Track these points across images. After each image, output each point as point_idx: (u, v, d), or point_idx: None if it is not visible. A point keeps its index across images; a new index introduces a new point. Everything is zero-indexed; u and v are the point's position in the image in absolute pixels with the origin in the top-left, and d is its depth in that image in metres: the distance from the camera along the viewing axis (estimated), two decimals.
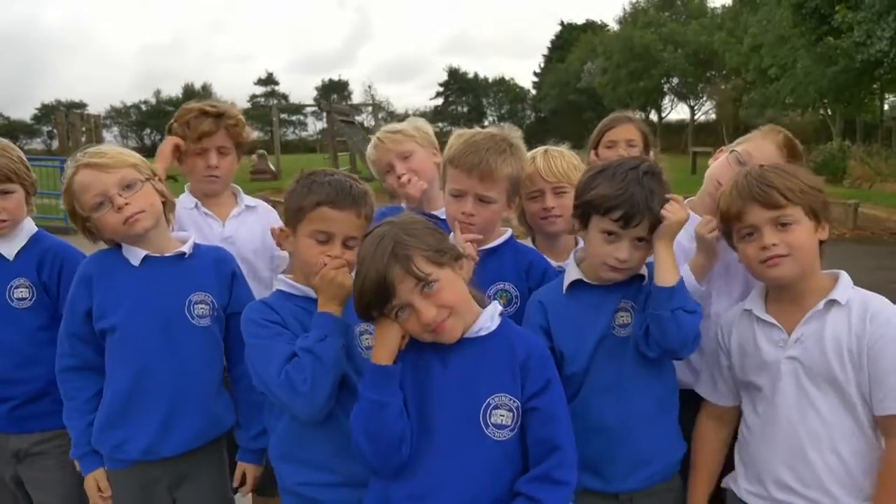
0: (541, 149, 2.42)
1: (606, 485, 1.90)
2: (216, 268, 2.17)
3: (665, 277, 1.81)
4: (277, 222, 2.21)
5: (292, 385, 1.70)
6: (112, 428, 2.06)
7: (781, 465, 1.84)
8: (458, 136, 2.17)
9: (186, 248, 2.11)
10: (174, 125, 2.56)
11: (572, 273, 1.96)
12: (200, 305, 2.09)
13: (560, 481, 1.65)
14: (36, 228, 2.38)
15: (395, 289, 1.57)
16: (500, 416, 1.63)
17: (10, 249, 2.29)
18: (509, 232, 2.21)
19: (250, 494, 2.35)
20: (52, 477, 2.31)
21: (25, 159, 2.35)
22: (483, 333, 1.68)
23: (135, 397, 2.04)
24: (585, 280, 1.94)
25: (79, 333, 2.08)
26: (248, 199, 2.69)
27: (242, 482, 2.21)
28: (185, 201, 2.57)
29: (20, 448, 2.31)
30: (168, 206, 2.17)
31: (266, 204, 2.75)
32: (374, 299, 1.59)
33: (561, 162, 2.34)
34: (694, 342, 1.85)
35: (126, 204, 2.00)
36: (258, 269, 2.55)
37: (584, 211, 1.89)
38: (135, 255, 2.06)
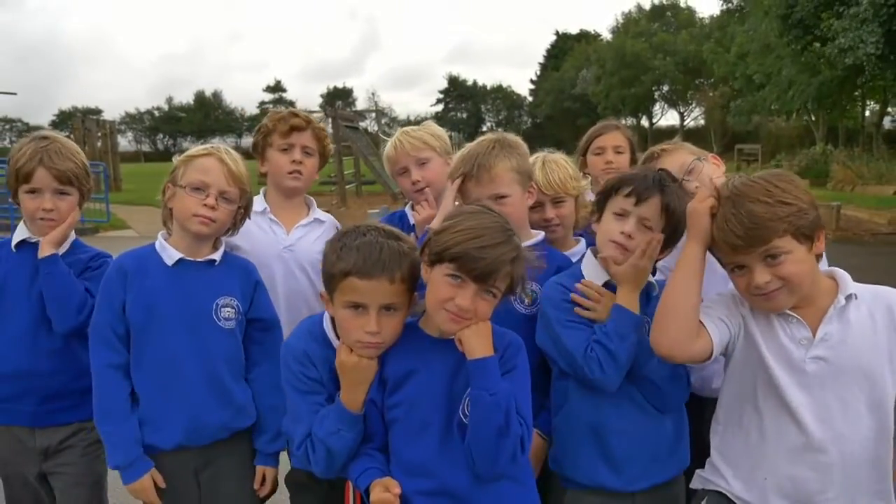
0: (538, 158, 2.38)
1: (626, 484, 1.88)
2: (241, 275, 2.18)
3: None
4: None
5: (308, 460, 1.77)
6: (144, 423, 2.06)
7: (792, 470, 1.68)
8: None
9: (217, 256, 2.13)
10: (266, 122, 2.54)
11: (601, 275, 1.93)
12: (227, 309, 2.10)
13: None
14: (74, 237, 2.36)
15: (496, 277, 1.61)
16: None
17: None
18: (541, 235, 2.20)
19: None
20: (77, 470, 2.31)
21: (88, 166, 2.35)
22: None
23: (164, 394, 2.04)
24: (611, 281, 1.92)
25: (115, 328, 2.04)
26: (319, 213, 2.62)
27: (263, 483, 2.20)
28: (255, 205, 2.46)
29: (49, 445, 2.29)
30: (236, 226, 2.20)
31: (333, 219, 2.67)
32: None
33: (558, 174, 2.32)
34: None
35: (212, 208, 2.05)
36: (313, 283, 2.46)
37: (604, 196, 1.91)
38: (169, 255, 2.08)
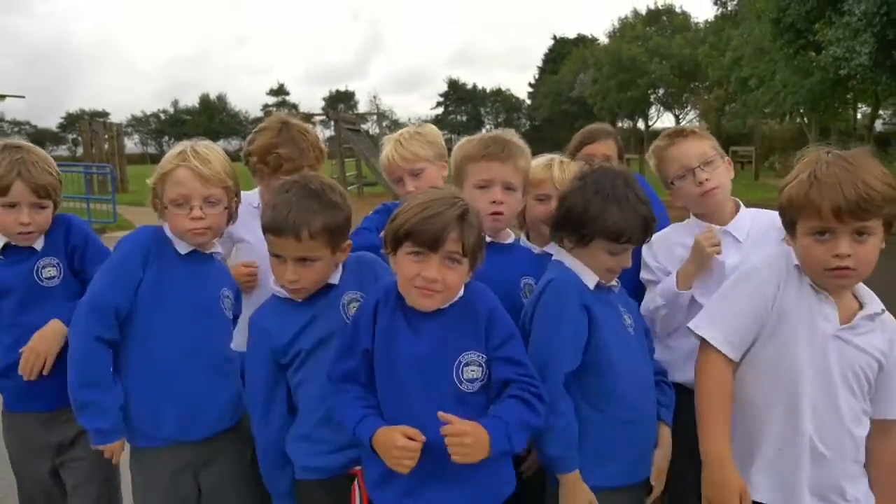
0: (557, 158, 2.45)
1: (642, 473, 1.92)
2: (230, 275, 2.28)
3: None
4: None
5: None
6: (144, 406, 2.03)
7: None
8: (468, 140, 2.22)
9: (221, 250, 2.23)
10: (253, 157, 2.37)
11: (589, 276, 1.92)
12: (227, 299, 2.16)
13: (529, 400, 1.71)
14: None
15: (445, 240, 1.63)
16: (472, 371, 1.69)
17: (38, 244, 2.28)
18: (513, 237, 2.23)
19: None
20: (89, 465, 2.29)
21: (60, 174, 2.32)
22: (448, 304, 1.72)
23: (168, 380, 2.01)
24: (602, 282, 1.94)
25: (120, 308, 1.99)
26: None
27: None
28: (254, 199, 2.50)
29: (63, 439, 2.29)
30: (232, 216, 2.20)
31: None
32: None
33: (571, 174, 2.36)
34: None
35: (201, 218, 2.04)
36: None
37: (590, 235, 1.86)
38: (182, 245, 2.10)
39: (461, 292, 1.73)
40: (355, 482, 1.83)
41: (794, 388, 1.71)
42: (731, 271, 2.13)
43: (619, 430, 1.85)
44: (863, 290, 1.77)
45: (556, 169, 2.36)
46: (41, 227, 2.24)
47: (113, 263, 2.05)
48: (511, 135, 2.19)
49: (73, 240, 2.32)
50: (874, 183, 1.57)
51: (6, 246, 2.25)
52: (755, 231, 2.18)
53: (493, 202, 2.05)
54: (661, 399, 1.99)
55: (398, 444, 1.59)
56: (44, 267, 2.25)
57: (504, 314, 1.76)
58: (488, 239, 1.92)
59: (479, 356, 1.70)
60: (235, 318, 2.25)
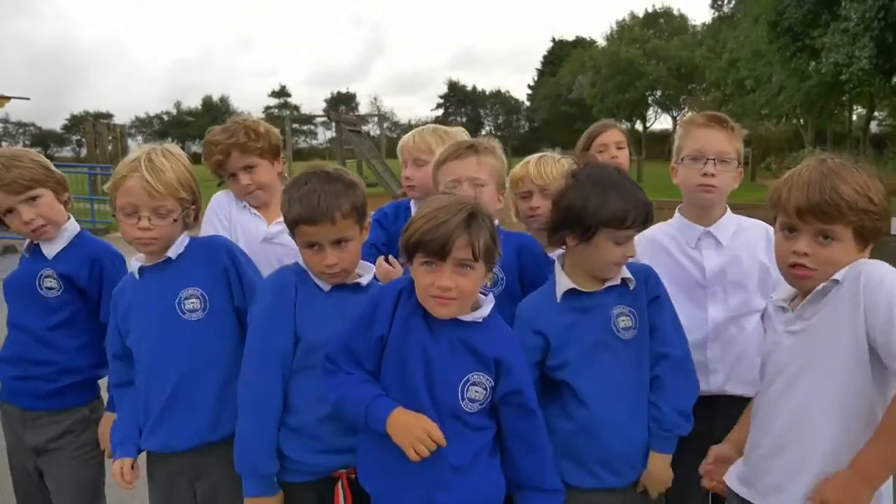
0: (537, 154, 2.44)
1: (619, 479, 1.87)
2: (207, 260, 2.05)
3: None
4: None
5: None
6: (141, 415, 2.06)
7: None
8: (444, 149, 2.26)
9: (171, 254, 2.01)
10: (207, 160, 2.49)
11: (564, 283, 1.90)
12: (191, 300, 1.99)
13: (553, 489, 1.76)
14: (79, 229, 2.29)
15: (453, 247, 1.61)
16: (476, 391, 1.68)
17: (50, 250, 2.23)
18: (495, 221, 2.19)
19: None
20: (65, 472, 2.27)
21: (42, 160, 2.23)
22: (470, 319, 1.70)
23: (146, 397, 2.01)
24: (579, 289, 1.89)
25: (117, 352, 2.07)
26: None
27: None
28: (237, 201, 2.52)
29: (37, 443, 2.26)
30: (189, 226, 2.11)
31: None
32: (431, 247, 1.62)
33: (552, 168, 2.32)
34: None
35: (149, 229, 1.96)
36: None
37: (594, 227, 1.80)
38: (134, 267, 2.04)
39: (487, 311, 1.72)
40: (338, 484, 1.81)
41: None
42: (711, 274, 2.12)
43: (579, 434, 1.84)
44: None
45: (532, 165, 2.36)
46: (49, 218, 2.19)
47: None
48: (482, 137, 2.21)
49: (87, 269, 2.23)
50: (844, 190, 1.56)
51: (31, 244, 2.25)
52: (744, 237, 2.16)
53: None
54: (655, 425, 1.89)
55: (425, 425, 1.60)
56: (46, 277, 2.21)
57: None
58: None
59: (486, 379, 1.68)
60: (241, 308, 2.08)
